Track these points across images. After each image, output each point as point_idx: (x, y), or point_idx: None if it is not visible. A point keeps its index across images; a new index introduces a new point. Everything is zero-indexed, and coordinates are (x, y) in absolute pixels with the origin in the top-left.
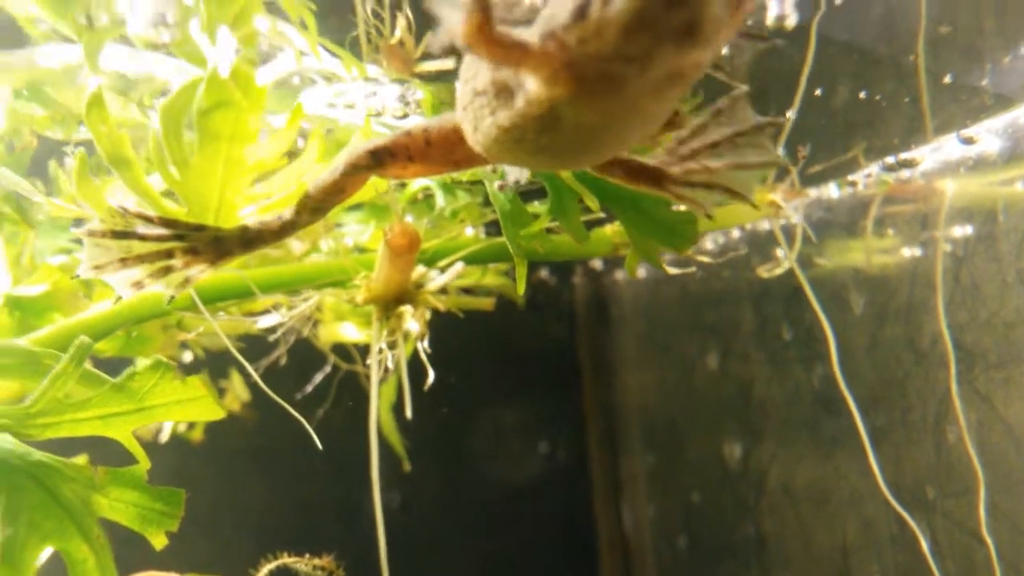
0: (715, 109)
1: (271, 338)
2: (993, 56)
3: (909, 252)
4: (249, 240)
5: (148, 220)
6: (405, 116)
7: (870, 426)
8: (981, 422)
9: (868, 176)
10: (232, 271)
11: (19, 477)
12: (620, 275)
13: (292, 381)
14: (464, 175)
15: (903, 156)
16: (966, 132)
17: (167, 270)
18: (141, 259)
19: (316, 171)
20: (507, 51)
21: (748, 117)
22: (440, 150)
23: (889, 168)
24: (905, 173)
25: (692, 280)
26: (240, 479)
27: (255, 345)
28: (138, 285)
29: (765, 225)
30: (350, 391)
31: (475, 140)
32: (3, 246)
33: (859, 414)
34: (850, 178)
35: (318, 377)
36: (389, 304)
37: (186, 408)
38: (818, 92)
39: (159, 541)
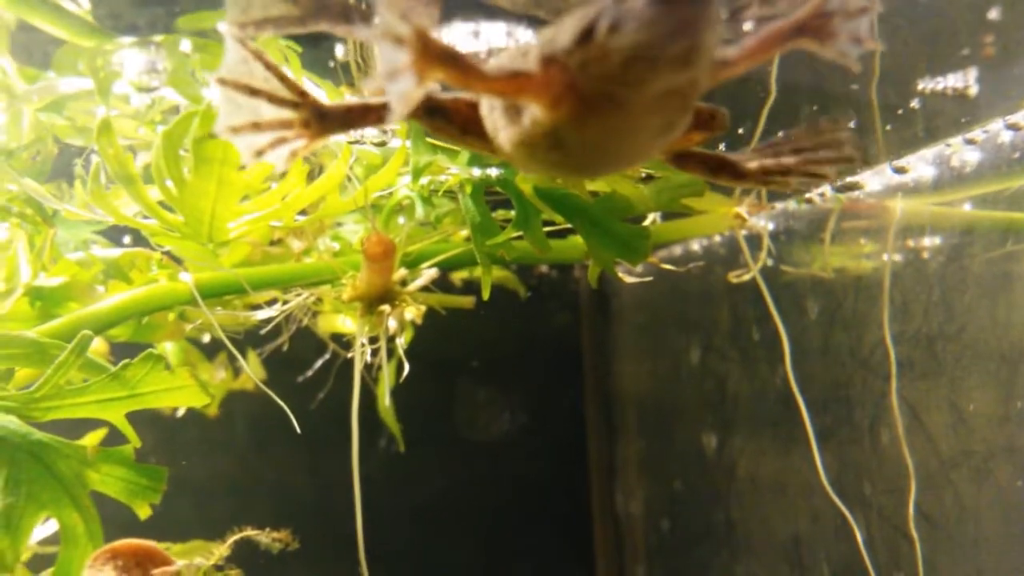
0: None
1: (262, 331)
2: (922, 93)
3: (857, 264)
4: (351, 120)
5: (282, 78)
6: (383, 144)
7: (819, 424)
8: (908, 428)
9: (822, 195)
10: (228, 271)
11: (20, 454)
12: (620, 269)
13: (297, 366)
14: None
15: (848, 180)
16: (898, 162)
17: (283, 140)
18: (269, 126)
19: (297, 193)
20: (505, 83)
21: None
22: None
23: (838, 189)
24: (854, 193)
25: (681, 277)
26: (240, 452)
27: (267, 334)
28: (259, 154)
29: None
30: (349, 377)
31: (497, 147)
32: (25, 242)
33: (808, 413)
34: (807, 195)
35: (318, 363)
36: (372, 303)
37: (174, 395)
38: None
39: (144, 511)
